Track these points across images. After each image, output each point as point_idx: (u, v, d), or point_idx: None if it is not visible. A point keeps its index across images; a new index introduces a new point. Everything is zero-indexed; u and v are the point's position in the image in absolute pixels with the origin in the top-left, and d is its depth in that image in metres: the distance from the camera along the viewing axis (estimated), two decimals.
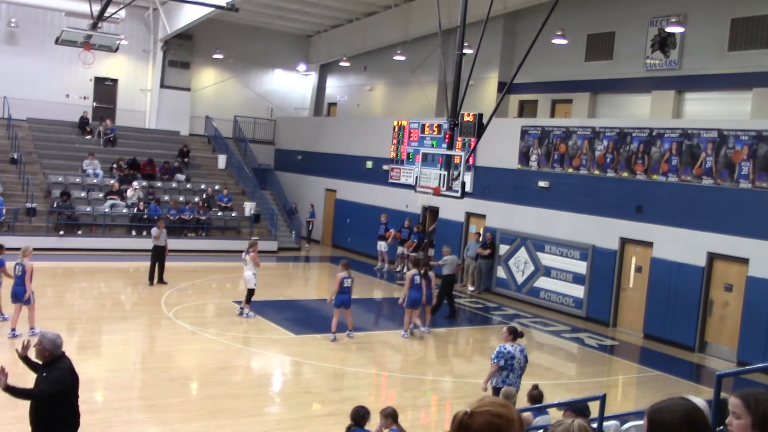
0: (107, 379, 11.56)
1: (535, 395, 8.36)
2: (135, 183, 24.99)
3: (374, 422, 7.71)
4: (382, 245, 23.32)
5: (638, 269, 17.35)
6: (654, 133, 16.88)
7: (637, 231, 17.18)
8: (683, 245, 16.07)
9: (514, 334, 9.79)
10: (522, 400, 8.83)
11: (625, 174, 17.46)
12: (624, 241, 17.56)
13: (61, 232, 22.52)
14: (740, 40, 18.04)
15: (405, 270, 23.27)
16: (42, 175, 24.65)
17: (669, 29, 18.92)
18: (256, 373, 13.10)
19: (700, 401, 3.70)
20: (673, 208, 16.33)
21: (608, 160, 17.85)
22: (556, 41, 20.55)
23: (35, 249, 21.38)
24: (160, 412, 10.20)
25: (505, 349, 9.62)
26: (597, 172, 18.14)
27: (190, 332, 14.55)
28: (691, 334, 15.90)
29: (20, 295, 13.06)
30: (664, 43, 19.64)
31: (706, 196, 15.73)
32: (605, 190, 17.88)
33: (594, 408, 7.31)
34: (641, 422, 7.58)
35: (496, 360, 9.63)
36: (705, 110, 18.98)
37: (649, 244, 16.92)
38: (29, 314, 13.25)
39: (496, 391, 9.60)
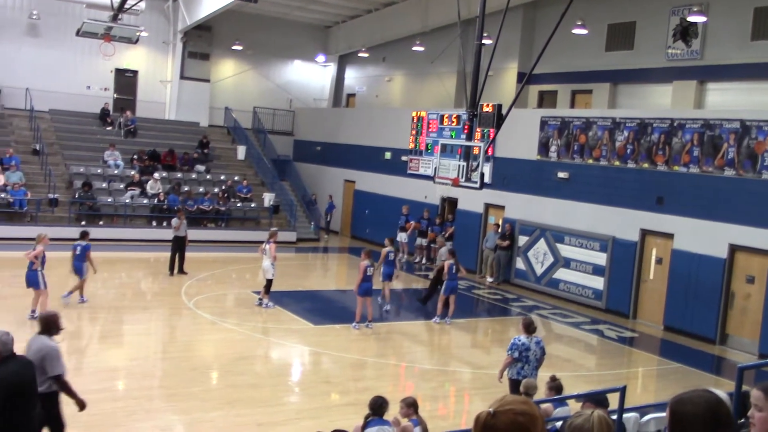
0: (129, 368, 11.69)
1: (555, 386, 8.35)
2: (156, 174, 25.15)
3: (392, 412, 7.75)
4: (402, 236, 23.32)
5: (659, 261, 17.23)
6: (675, 124, 16.72)
7: (657, 222, 17.05)
8: (704, 237, 15.93)
9: (528, 328, 9.75)
10: (540, 392, 8.81)
11: (646, 165, 17.32)
12: (644, 233, 17.44)
13: (83, 223, 22.71)
14: (763, 30, 17.80)
15: (424, 260, 23.31)
16: (64, 166, 24.88)
17: (691, 18, 18.71)
18: (275, 363, 13.19)
19: (721, 394, 3.68)
20: (695, 199, 16.19)
21: (629, 150, 17.72)
22: (576, 31, 20.39)
23: (57, 239, 21.67)
24: (180, 400, 10.30)
25: (519, 341, 9.60)
26: (617, 163, 18.01)
27: (210, 322, 14.66)
28: (712, 327, 15.78)
29: (32, 280, 13.34)
30: (685, 32, 19.42)
31: (727, 187, 15.58)
32: (625, 181, 17.75)
33: (614, 400, 7.29)
34: (661, 414, 7.56)
35: (510, 352, 9.62)
36: (727, 100, 18.77)
37: (670, 236, 16.79)
38: (41, 299, 13.41)
39: (513, 382, 9.59)
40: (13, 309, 14.45)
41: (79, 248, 14.91)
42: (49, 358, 6.96)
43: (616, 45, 21.48)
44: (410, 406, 7.60)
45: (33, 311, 13.45)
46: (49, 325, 7.22)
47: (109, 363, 11.90)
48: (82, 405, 7.27)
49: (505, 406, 2.36)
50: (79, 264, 14.79)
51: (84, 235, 15.15)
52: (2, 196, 21.97)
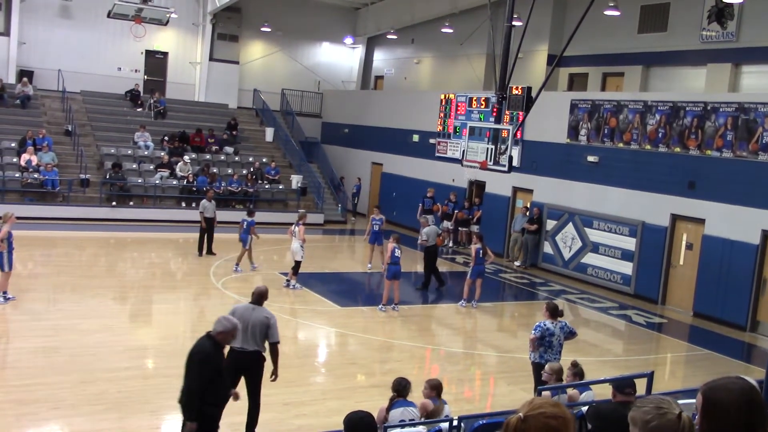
0: (159, 347, 11.85)
1: (577, 372, 8.31)
2: (185, 156, 25.32)
3: (417, 395, 7.76)
4: (429, 219, 23.28)
5: (689, 246, 17.02)
6: (709, 108, 16.44)
7: (688, 207, 16.83)
8: (737, 222, 15.69)
9: (553, 312, 9.68)
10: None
11: (678, 149, 17.08)
12: (675, 218, 17.22)
13: (114, 203, 23.00)
14: None
15: (451, 244, 23.26)
16: (95, 146, 25.15)
17: (726, 0, 18.31)
18: (302, 344, 13.28)
19: (752, 381, 3.63)
20: (727, 184, 15.93)
21: (660, 134, 17.47)
22: (608, 12, 20.08)
23: (89, 219, 22.00)
24: None
25: (544, 325, 9.55)
26: (648, 147, 17.77)
27: (238, 302, 14.76)
28: (743, 313, 15.58)
29: None
30: (721, 14, 19.03)
31: (762, 173, 15.30)
32: (656, 165, 17.52)
33: (641, 386, 7.24)
34: (690, 401, 7.48)
35: (534, 331, 9.57)
36: (763, 84, 18.40)
37: (701, 221, 16.57)
38: (1, 279, 13.08)
39: (536, 366, 9.55)
40: (45, 287, 14.72)
41: (245, 223, 17.17)
42: (273, 327, 8.16)
43: (649, 27, 21.12)
44: (434, 388, 7.61)
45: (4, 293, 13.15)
46: (262, 297, 8.35)
47: (139, 342, 12.07)
48: (276, 375, 8.35)
49: (535, 410, 2.29)
50: (245, 236, 17.13)
51: (250, 213, 17.61)
52: (35, 176, 22.29)
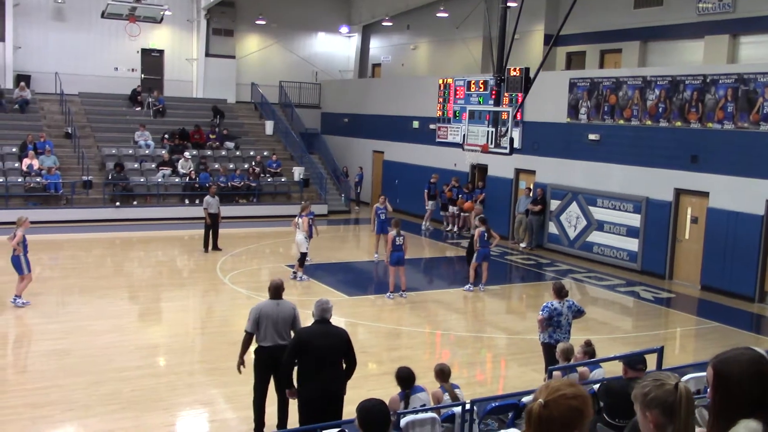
0: (169, 344, 11.91)
1: (589, 351, 8.34)
2: (186, 153, 25.33)
3: (429, 380, 7.78)
4: (431, 204, 23.34)
5: (694, 220, 17.00)
6: (708, 80, 16.37)
7: (692, 181, 16.79)
8: (741, 194, 15.66)
9: (559, 292, 9.67)
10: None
11: (679, 123, 17.02)
12: (679, 192, 17.19)
13: (117, 204, 23.04)
14: None
15: (455, 229, 23.24)
16: (96, 148, 25.16)
17: None
18: None
19: (761, 351, 3.63)
20: (730, 156, 15.89)
21: (660, 109, 17.41)
22: None
23: (93, 221, 22.05)
24: (220, 375, 10.46)
25: (552, 305, 9.56)
26: (649, 122, 17.72)
27: (246, 297, 14.82)
28: (751, 284, 15.57)
29: (15, 265, 13.02)
30: None
31: (764, 143, 15.26)
32: (658, 140, 17.47)
33: (651, 361, 7.26)
34: (701, 374, 7.51)
35: (541, 312, 9.59)
36: (762, 53, 18.29)
37: (705, 194, 16.54)
38: (24, 283, 13.12)
39: (545, 346, 9.57)
40: (54, 290, 14.78)
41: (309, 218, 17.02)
42: (298, 317, 8.41)
43: (645, 1, 20.99)
44: (437, 375, 7.60)
45: (16, 296, 13.14)
46: (279, 290, 8.52)
47: (149, 340, 12.12)
48: None
49: (555, 393, 2.31)
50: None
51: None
52: (38, 180, 22.33)
